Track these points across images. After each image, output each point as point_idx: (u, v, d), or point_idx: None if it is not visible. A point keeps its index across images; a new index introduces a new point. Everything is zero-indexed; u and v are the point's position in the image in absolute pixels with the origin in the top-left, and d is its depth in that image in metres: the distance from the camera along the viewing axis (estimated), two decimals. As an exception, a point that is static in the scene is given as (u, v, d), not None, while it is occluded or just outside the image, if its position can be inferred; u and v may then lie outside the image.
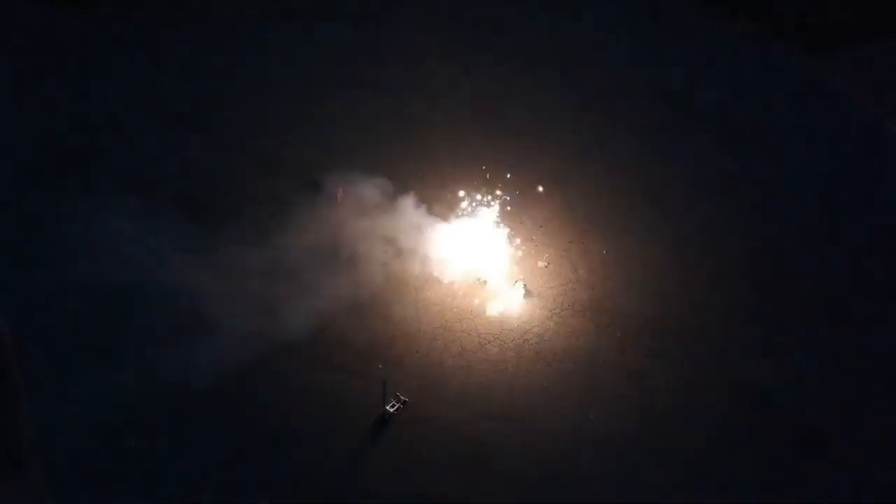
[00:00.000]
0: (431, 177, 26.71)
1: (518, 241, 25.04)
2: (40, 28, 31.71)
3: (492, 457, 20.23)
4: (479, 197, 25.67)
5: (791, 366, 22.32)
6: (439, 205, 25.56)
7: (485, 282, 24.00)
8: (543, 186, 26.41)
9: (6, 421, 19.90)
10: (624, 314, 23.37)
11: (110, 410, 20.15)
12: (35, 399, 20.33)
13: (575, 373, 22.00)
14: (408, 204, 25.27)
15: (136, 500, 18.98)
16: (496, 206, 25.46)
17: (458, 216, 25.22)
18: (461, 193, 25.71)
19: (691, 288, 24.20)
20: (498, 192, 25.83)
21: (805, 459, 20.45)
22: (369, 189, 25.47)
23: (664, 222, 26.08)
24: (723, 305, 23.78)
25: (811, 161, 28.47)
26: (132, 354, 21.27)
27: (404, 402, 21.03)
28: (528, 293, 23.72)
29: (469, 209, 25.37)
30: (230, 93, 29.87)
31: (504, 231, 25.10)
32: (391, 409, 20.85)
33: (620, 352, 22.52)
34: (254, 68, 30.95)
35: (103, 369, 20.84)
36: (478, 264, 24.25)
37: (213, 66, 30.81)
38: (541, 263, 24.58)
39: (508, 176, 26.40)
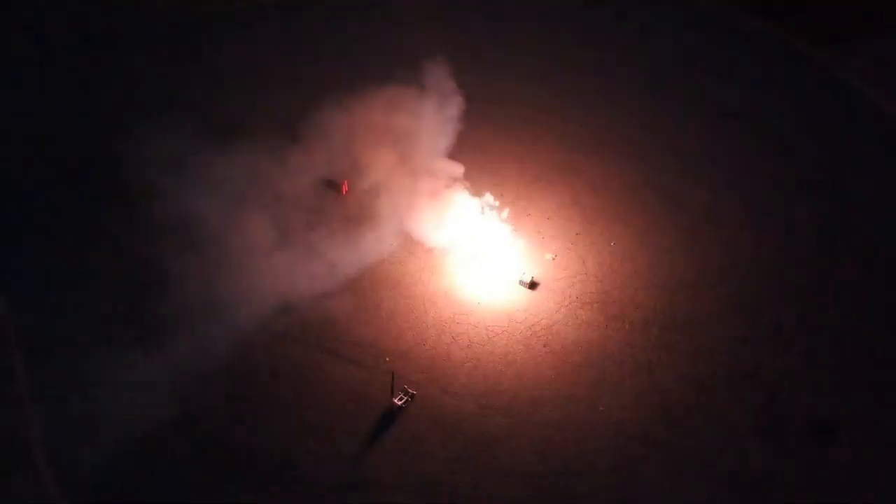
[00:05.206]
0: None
1: (525, 233, 24.95)
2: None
3: (499, 450, 20.10)
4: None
5: (800, 355, 22.28)
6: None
7: (493, 271, 23.85)
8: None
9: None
10: (632, 306, 23.27)
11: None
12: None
13: (583, 365, 21.87)
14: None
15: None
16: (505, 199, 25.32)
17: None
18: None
19: (699, 280, 24.05)
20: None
21: (815, 448, 20.37)
22: None
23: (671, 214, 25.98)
24: (731, 297, 23.63)
25: (822, 155, 28.19)
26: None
27: (412, 396, 20.87)
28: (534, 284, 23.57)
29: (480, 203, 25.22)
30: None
31: (511, 223, 24.98)
32: (399, 403, 20.70)
33: (629, 343, 22.38)
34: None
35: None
36: (486, 256, 24.13)
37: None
38: (548, 256, 24.40)
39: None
